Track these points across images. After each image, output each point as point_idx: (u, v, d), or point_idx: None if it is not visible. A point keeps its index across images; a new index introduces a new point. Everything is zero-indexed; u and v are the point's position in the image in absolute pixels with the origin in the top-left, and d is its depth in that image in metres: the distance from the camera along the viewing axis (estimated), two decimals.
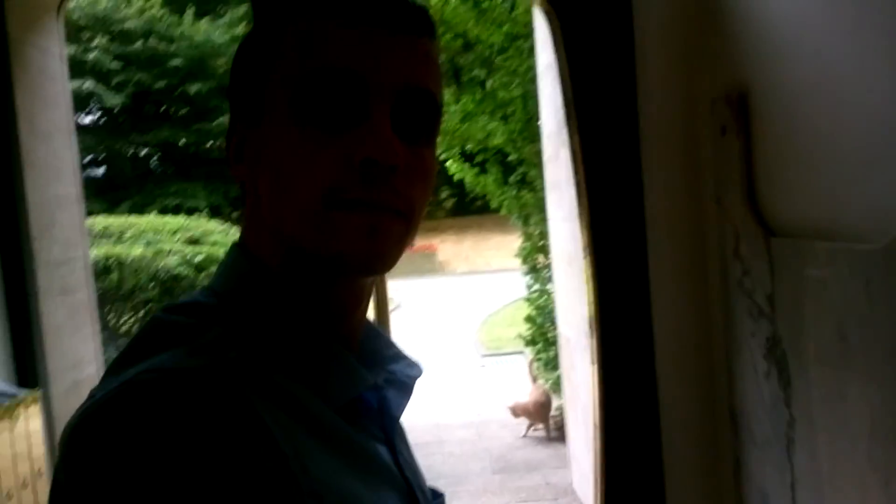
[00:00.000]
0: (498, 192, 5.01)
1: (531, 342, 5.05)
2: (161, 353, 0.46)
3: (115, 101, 15.06)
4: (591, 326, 2.13)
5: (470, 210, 19.32)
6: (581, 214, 2.09)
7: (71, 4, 3.33)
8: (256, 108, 0.54)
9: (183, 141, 16.22)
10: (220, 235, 6.71)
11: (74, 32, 13.83)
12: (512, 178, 5.04)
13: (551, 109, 3.37)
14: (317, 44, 0.51)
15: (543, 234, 4.54)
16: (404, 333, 8.59)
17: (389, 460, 0.56)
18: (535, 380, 4.78)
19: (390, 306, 11.85)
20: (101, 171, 16.68)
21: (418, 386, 0.63)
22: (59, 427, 2.44)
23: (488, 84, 5.09)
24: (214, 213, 13.19)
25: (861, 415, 1.21)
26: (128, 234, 6.18)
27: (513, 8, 4.81)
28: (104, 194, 15.07)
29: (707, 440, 1.90)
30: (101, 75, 14.75)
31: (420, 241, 18.25)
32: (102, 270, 5.35)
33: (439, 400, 5.73)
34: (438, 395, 5.85)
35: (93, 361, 2.91)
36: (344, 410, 0.52)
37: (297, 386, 0.50)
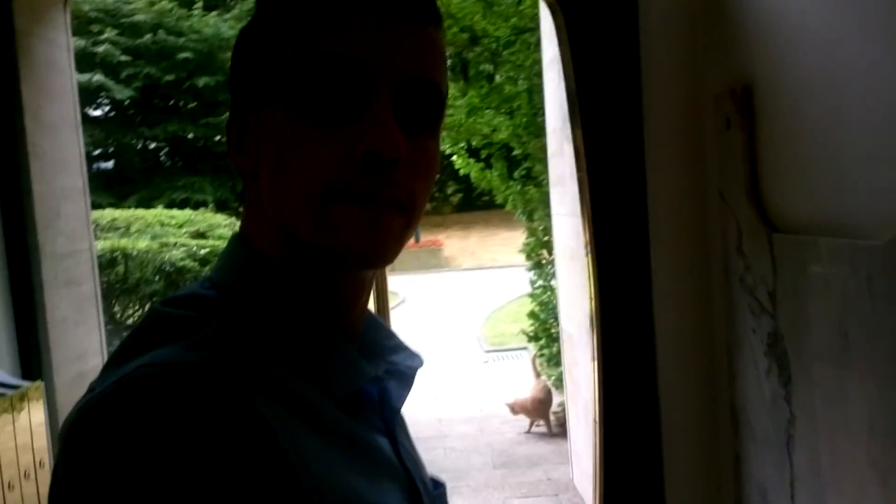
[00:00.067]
0: (503, 187, 5.01)
1: (534, 338, 5.06)
2: (160, 346, 0.46)
3: (123, 94, 15.09)
4: (591, 322, 2.12)
5: (476, 206, 19.32)
6: (583, 210, 2.09)
7: None
8: (257, 97, 0.53)
9: (191, 135, 16.25)
10: (226, 229, 6.74)
11: (83, 25, 13.87)
12: (517, 173, 5.03)
13: (556, 104, 3.36)
14: (319, 32, 0.50)
15: (548, 230, 4.54)
16: (408, 328, 8.60)
17: (390, 452, 0.56)
18: (538, 375, 4.78)
19: (395, 301, 11.89)
20: (109, 164, 16.74)
21: (419, 377, 0.62)
22: (62, 419, 2.46)
23: (495, 78, 5.08)
24: (221, 207, 13.23)
25: (860, 413, 1.20)
26: (134, 228, 6.21)
27: (519, 1, 4.80)
28: (113, 187, 15.14)
29: (707, 436, 1.90)
30: (110, 68, 14.78)
31: (426, 237, 18.25)
32: (108, 263, 5.38)
33: (442, 395, 5.73)
34: (441, 390, 5.85)
35: (97, 353, 2.92)
36: (345, 402, 0.52)
37: (297, 379, 0.49)
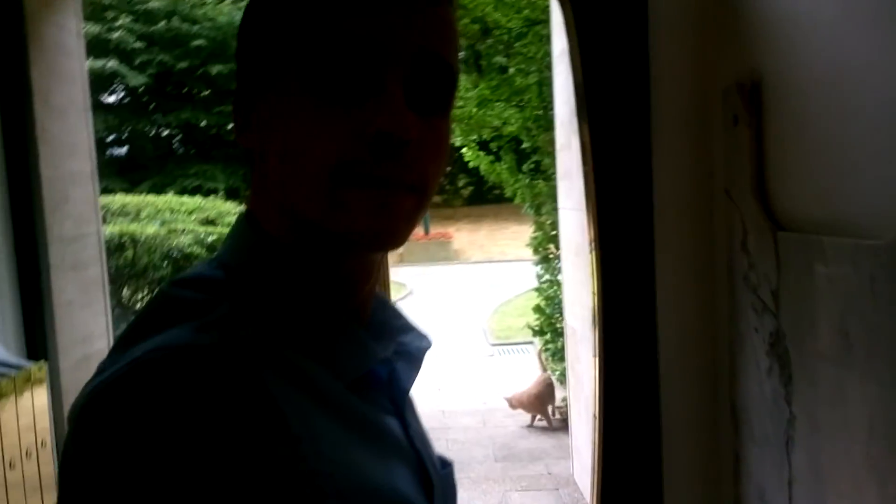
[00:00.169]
0: (512, 180, 4.99)
1: (539, 332, 5.06)
2: (170, 328, 0.46)
3: (137, 80, 15.17)
4: (594, 318, 2.12)
5: (487, 199, 19.30)
6: (588, 205, 2.07)
7: None
8: (265, 73, 0.52)
9: (204, 123, 16.32)
10: (235, 217, 6.77)
11: (98, 11, 13.93)
12: (525, 167, 5.01)
13: (565, 97, 3.34)
14: (331, 7, 0.49)
15: (555, 224, 4.52)
16: (415, 320, 8.62)
17: (400, 433, 0.55)
18: (545, 370, 4.79)
19: (402, 293, 11.90)
20: (123, 150, 16.84)
21: (427, 359, 0.62)
22: (67, 400, 2.48)
23: (508, 70, 5.06)
24: (232, 195, 13.28)
25: (860, 414, 1.19)
26: (144, 213, 6.25)
27: None
28: (125, 173, 15.23)
29: (707, 435, 1.89)
30: (125, 55, 14.86)
31: (435, 229, 18.25)
32: (117, 247, 5.43)
33: (446, 387, 5.74)
34: (445, 381, 5.86)
35: (103, 336, 2.95)
36: (354, 384, 0.52)
37: (307, 361, 0.49)
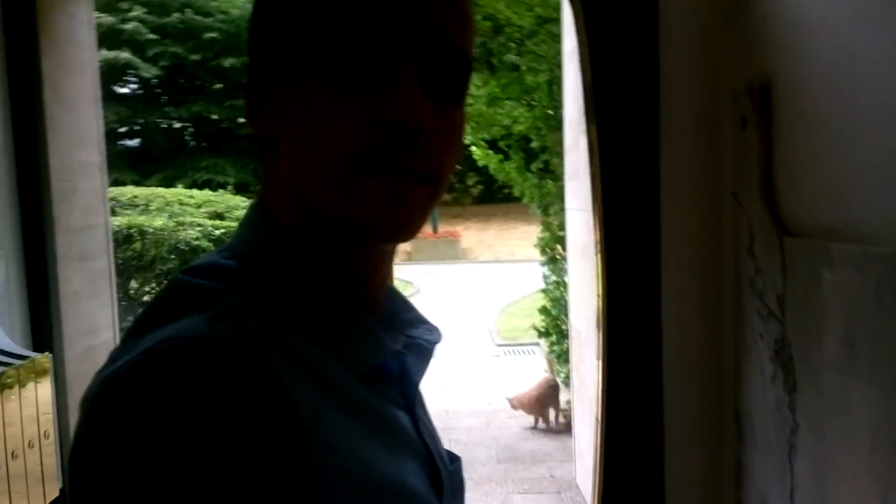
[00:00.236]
0: (520, 179, 4.97)
1: (545, 334, 5.04)
2: (183, 316, 0.45)
3: (150, 72, 15.25)
4: (598, 320, 2.10)
5: (497, 198, 19.28)
6: (594, 206, 2.06)
7: None
8: (278, 59, 0.51)
9: (215, 116, 16.39)
10: (244, 212, 6.80)
11: (112, 2, 14.00)
12: (534, 166, 4.99)
13: (574, 96, 3.33)
14: None
15: (563, 225, 4.50)
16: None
17: (410, 427, 0.55)
18: (552, 372, 4.78)
19: (410, 291, 11.90)
20: (135, 142, 16.93)
21: (437, 351, 0.62)
22: (71, 391, 2.49)
23: (520, 68, 5.03)
24: (241, 189, 13.32)
25: (864, 423, 1.17)
26: (154, 205, 6.28)
27: None
28: (136, 165, 15.32)
29: (710, 441, 1.87)
30: (138, 46, 14.94)
31: (444, 228, 18.25)
32: (125, 239, 5.45)
33: (450, 386, 5.74)
34: (450, 381, 5.86)
35: (109, 328, 2.95)
36: (365, 376, 0.51)
37: (319, 353, 0.49)
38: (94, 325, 2.80)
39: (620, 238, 1.98)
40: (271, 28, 0.52)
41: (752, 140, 1.61)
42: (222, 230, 5.93)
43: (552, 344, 4.93)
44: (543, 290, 5.10)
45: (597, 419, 2.12)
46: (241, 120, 16.26)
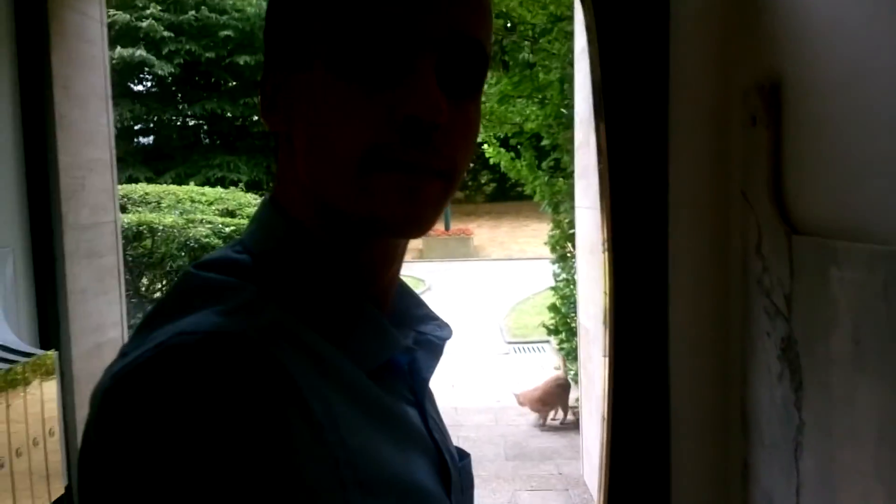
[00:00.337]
0: (531, 177, 4.95)
1: (554, 332, 5.02)
2: (196, 311, 0.45)
3: (165, 70, 15.32)
4: (605, 318, 2.09)
5: (509, 196, 19.26)
6: (603, 203, 2.04)
7: None
8: (293, 53, 0.51)
9: (230, 114, 16.45)
10: (254, 209, 6.83)
11: (128, 0, 14.09)
12: (545, 164, 4.97)
13: (585, 94, 3.31)
14: None
15: (573, 223, 4.48)
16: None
17: (419, 423, 0.55)
18: (564, 369, 4.77)
19: (421, 288, 11.90)
20: (149, 139, 17.04)
21: (447, 348, 0.62)
22: (77, 388, 2.50)
23: (535, 66, 5.01)
24: (254, 187, 13.37)
25: (870, 422, 1.16)
26: (165, 203, 6.31)
27: None
28: (150, 162, 15.42)
29: (716, 438, 1.86)
30: (153, 44, 15.01)
31: (456, 225, 18.24)
32: (135, 236, 5.48)
33: (460, 383, 5.74)
34: (460, 378, 5.86)
35: (117, 325, 2.97)
36: (375, 372, 0.51)
37: (330, 348, 0.49)
38: (102, 322, 2.81)
39: (628, 236, 1.97)
40: (287, 22, 0.52)
41: (762, 139, 1.59)
42: (232, 227, 5.95)
43: (561, 342, 4.92)
44: (553, 288, 5.09)
45: (603, 417, 2.11)
46: (256, 118, 16.35)
